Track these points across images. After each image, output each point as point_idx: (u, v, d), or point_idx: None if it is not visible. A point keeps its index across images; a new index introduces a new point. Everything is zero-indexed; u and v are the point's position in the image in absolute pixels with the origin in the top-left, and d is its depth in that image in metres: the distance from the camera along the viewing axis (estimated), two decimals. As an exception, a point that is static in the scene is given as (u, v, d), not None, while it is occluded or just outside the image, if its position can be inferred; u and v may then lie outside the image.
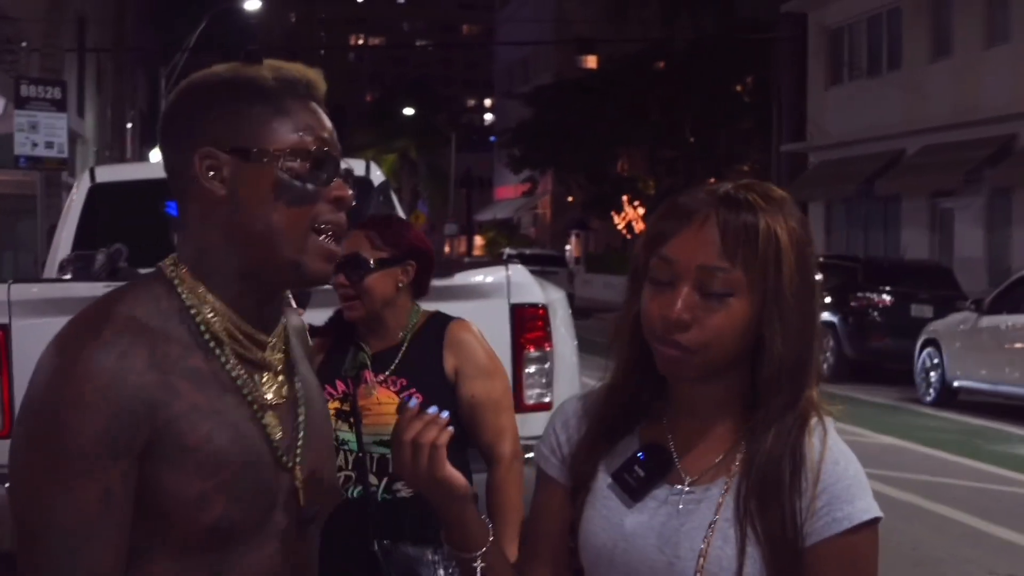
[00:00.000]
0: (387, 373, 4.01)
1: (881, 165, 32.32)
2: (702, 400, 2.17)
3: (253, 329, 2.03)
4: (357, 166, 9.16)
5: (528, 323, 6.26)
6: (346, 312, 4.01)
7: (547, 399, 6.31)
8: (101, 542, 1.83)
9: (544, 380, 6.30)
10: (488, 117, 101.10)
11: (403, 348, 4.05)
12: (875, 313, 21.56)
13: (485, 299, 6.23)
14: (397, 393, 3.96)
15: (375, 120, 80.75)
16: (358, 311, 4.01)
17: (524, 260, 44.84)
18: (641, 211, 52.41)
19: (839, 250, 32.01)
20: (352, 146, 73.65)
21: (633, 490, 2.15)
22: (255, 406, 2.00)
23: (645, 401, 2.23)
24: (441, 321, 4.15)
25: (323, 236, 2.01)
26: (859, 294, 21.67)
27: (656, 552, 2.10)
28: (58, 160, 19.64)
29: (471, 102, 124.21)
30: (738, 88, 48.46)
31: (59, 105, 19.66)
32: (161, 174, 7.85)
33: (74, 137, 29.20)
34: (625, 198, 54.26)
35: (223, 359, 1.98)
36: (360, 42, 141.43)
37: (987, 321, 17.74)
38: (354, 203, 2.07)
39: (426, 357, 4.05)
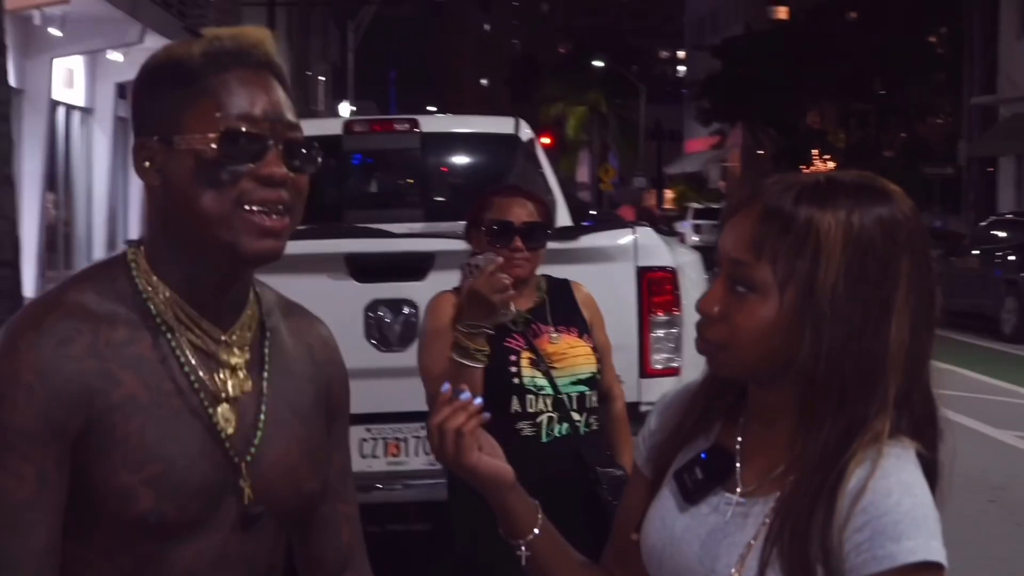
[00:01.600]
0: (553, 323, 4.43)
1: (1075, 119, 31.31)
2: (764, 405, 2.02)
3: (206, 321, 2.00)
4: (504, 124, 9.15)
5: (655, 287, 6.18)
6: (513, 269, 4.25)
7: (675, 364, 6.24)
8: (37, 522, 1.85)
9: (672, 345, 6.22)
10: (680, 69, 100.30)
11: (546, 305, 4.47)
12: (1058, 271, 20.88)
13: (612, 262, 6.17)
14: (578, 336, 4.43)
15: (567, 72, 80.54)
16: (526, 270, 4.37)
17: (711, 215, 44.80)
18: (831, 165, 51.64)
19: (1030, 207, 31.17)
20: (542, 98, 73.67)
21: (688, 492, 2.04)
22: (202, 395, 1.96)
23: (730, 399, 2.09)
24: (560, 283, 4.59)
25: (255, 213, 1.93)
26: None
27: (697, 562, 1.99)
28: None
29: (663, 54, 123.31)
30: (931, 39, 47.36)
31: (236, 61, 19.95)
32: (327, 130, 7.93)
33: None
34: (815, 152, 53.50)
35: (173, 344, 1.96)
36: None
37: None
38: (303, 173, 1.98)
39: (569, 312, 4.51)
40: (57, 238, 24.38)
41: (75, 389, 1.86)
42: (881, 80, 47.61)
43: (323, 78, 53.76)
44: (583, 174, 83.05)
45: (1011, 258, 20.99)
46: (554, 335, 4.37)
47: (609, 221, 7.42)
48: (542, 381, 4.31)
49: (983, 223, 25.52)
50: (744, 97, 53.79)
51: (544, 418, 4.29)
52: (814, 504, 1.88)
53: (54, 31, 21.23)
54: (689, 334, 6.37)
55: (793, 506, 1.90)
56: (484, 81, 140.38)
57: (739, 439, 2.05)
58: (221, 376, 2.00)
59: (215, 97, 1.93)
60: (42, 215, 22.04)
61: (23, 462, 1.84)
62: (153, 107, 1.98)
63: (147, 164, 1.97)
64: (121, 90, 26.84)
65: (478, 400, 2.12)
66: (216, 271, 1.99)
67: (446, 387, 2.15)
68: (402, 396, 5.64)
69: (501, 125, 9.24)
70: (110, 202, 26.88)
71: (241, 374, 2.02)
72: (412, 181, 9.79)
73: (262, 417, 2.03)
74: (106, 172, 26.45)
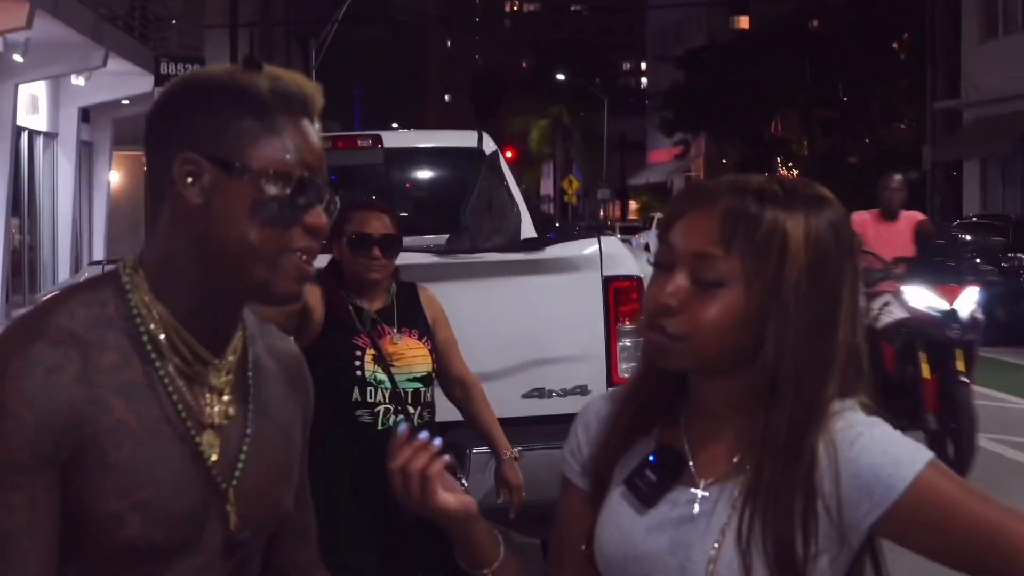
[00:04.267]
0: (397, 325, 5.00)
1: (1038, 122, 31.46)
2: (714, 398, 2.08)
3: (200, 346, 1.99)
4: (468, 138, 9.14)
5: (622, 296, 6.19)
6: (371, 274, 4.94)
7: (643, 372, 6.25)
8: (28, 550, 1.83)
9: (639, 354, 6.23)
10: (644, 81, 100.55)
11: (394, 307, 5.04)
12: (1026, 274, 20.95)
13: (578, 272, 6.18)
14: (418, 339, 5.02)
15: (530, 86, 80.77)
16: (382, 274, 4.97)
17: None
18: (795, 173, 51.79)
19: (995, 209, 31.25)
20: (505, 112, 73.73)
21: (644, 496, 2.07)
22: (189, 424, 1.96)
23: (665, 401, 2.14)
24: (408, 286, 5.19)
25: (299, 259, 1.96)
26: (1010, 255, 21.12)
27: (668, 555, 2.02)
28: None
29: (626, 66, 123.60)
30: (894, 46, 47.63)
31: (200, 82, 19.96)
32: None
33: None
34: (779, 160, 53.68)
35: (161, 372, 1.95)
36: (515, 8, 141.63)
37: None
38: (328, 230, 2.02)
39: (414, 313, 5.11)
40: (22, 262, 24.32)
41: (64, 417, 1.85)
42: (845, 87, 47.81)
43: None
44: (547, 187, 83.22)
45: (978, 260, 21.03)
46: (396, 336, 4.98)
47: (572, 233, 7.40)
48: (382, 376, 4.90)
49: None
50: (707, 107, 54.02)
51: (381, 409, 4.90)
52: (791, 489, 1.96)
53: (17, 57, 21.14)
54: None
55: (765, 489, 1.98)
56: (447, 97, 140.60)
57: (685, 437, 2.10)
58: (207, 400, 2.00)
59: (286, 139, 1.95)
60: (6, 240, 21.97)
61: (12, 491, 1.82)
62: (205, 124, 1.94)
63: (189, 180, 1.94)
64: (84, 114, 26.80)
65: (437, 441, 2.08)
66: (228, 300, 2.01)
67: (403, 428, 2.10)
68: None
69: (464, 139, 9.21)
70: (74, 226, 26.81)
71: (226, 398, 2.03)
72: (376, 197, 9.74)
73: (247, 441, 2.04)
74: (71, 196, 26.41)
